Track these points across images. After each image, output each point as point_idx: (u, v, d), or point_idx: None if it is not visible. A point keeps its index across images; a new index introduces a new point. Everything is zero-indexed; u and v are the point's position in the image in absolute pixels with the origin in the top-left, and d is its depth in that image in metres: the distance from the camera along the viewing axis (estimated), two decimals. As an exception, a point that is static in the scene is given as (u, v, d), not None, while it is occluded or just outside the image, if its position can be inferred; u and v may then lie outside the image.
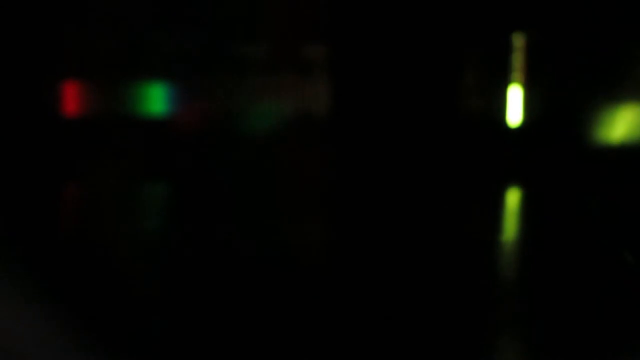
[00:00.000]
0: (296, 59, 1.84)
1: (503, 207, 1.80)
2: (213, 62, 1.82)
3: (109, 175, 1.70)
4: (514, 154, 1.88)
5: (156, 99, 1.83)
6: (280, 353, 1.04)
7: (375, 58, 1.81)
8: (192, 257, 1.39)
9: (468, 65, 1.89)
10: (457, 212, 1.67)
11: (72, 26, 1.69)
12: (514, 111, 1.90)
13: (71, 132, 1.73)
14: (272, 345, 1.05)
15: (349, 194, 1.75)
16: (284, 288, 1.24)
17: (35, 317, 1.06)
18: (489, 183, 1.86)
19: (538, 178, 1.82)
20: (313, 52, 1.85)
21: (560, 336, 1.10)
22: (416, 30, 1.80)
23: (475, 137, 1.88)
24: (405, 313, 1.15)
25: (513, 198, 1.85)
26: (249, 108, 1.83)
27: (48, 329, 1.04)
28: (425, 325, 1.12)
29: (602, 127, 1.75)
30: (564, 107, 1.82)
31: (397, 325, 1.11)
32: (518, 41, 1.88)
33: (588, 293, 1.25)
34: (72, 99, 1.76)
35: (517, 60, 1.89)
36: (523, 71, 1.89)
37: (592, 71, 1.76)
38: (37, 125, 1.63)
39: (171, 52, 1.80)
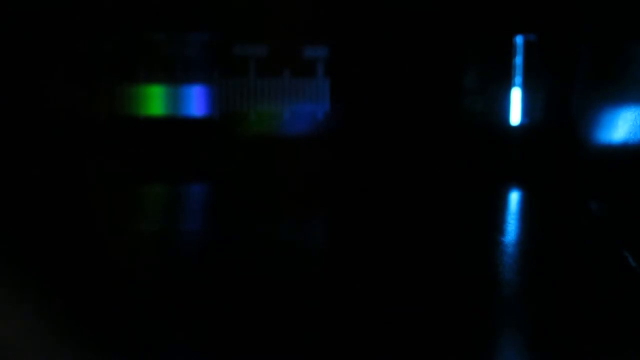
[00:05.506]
0: (296, 59, 1.84)
1: (503, 208, 1.80)
2: (213, 63, 1.82)
3: (109, 177, 1.70)
4: (515, 154, 1.88)
5: (156, 101, 1.83)
6: (281, 353, 1.04)
7: (376, 59, 1.81)
8: (192, 257, 1.39)
9: (469, 66, 1.89)
10: (457, 213, 1.67)
11: (72, 27, 1.70)
12: (515, 112, 1.90)
13: (71, 134, 1.73)
14: (272, 346, 1.05)
15: (349, 194, 1.75)
16: (283, 288, 1.24)
17: (34, 317, 1.06)
18: (489, 184, 1.86)
19: (538, 178, 1.82)
20: (313, 52, 1.85)
21: (560, 337, 1.10)
22: (417, 31, 1.80)
23: (476, 137, 1.88)
24: (405, 314, 1.15)
25: (513, 199, 1.85)
26: (250, 108, 1.83)
27: (47, 329, 1.04)
28: (425, 326, 1.12)
29: (602, 128, 1.75)
30: (564, 108, 1.83)
31: (396, 325, 1.11)
32: (519, 42, 1.88)
33: (588, 294, 1.25)
34: (74, 100, 1.76)
35: (518, 61, 1.89)
36: (524, 72, 1.89)
37: (592, 72, 1.76)
38: (39, 127, 1.64)
39: (171, 53, 1.81)
